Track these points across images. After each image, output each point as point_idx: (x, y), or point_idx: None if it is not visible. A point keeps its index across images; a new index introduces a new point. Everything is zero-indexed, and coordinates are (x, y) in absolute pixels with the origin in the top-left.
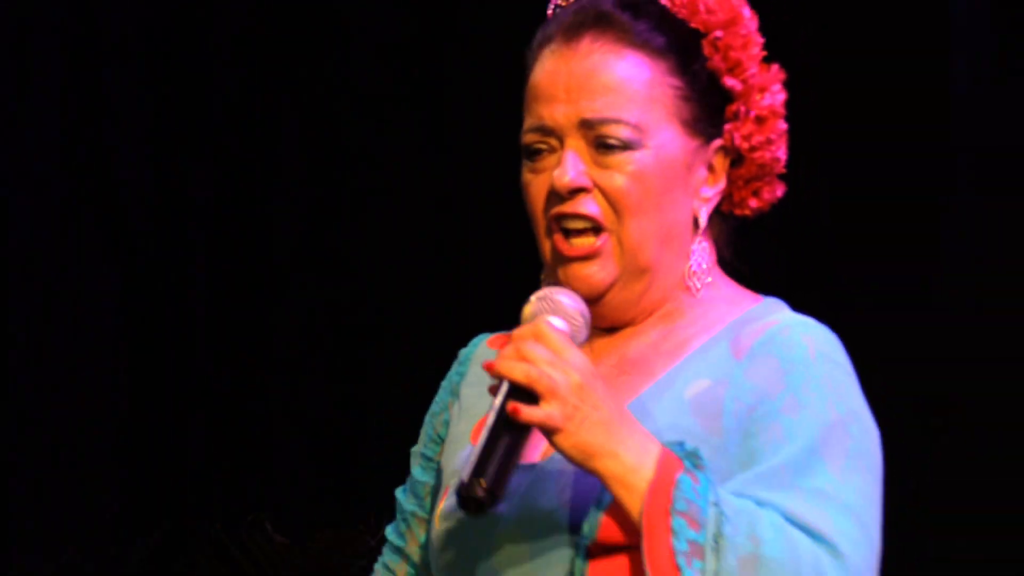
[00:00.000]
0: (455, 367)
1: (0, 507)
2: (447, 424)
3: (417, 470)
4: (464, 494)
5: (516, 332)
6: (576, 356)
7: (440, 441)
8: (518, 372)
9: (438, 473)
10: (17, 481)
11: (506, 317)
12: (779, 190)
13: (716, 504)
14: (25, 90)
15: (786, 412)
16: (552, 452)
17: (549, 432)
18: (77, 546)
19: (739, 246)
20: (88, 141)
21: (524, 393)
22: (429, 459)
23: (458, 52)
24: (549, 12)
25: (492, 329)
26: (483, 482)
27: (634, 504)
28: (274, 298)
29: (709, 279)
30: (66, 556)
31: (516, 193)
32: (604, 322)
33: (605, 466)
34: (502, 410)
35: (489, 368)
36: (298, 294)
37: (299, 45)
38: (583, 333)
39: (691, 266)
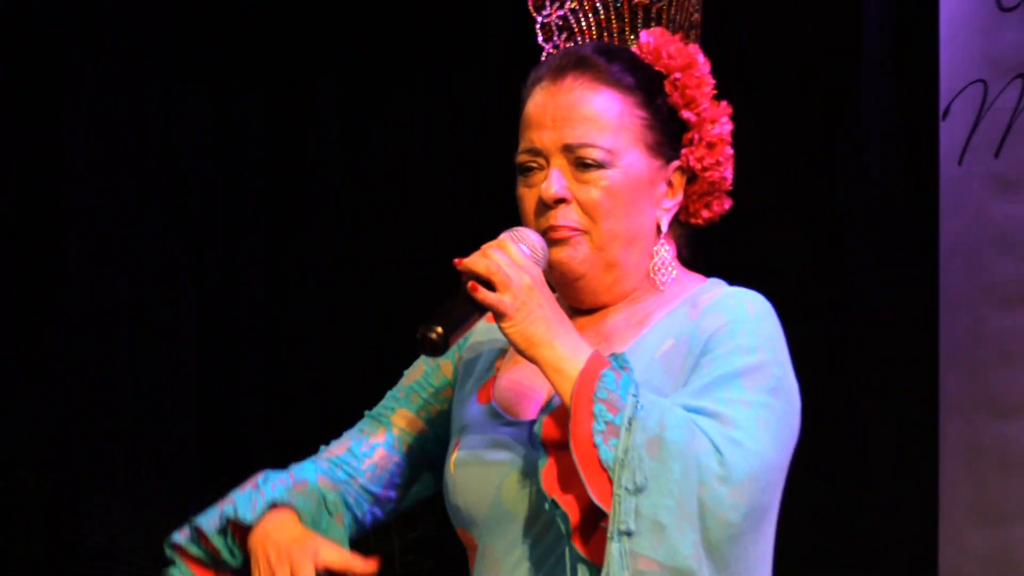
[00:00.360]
0: None
1: (110, 459)
2: (449, 382)
3: (415, 384)
4: (421, 334)
5: (485, 245)
6: (531, 266)
7: (440, 382)
8: (480, 266)
9: (447, 424)
10: (124, 443)
11: None
12: (727, 204)
13: (634, 395)
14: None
15: (720, 349)
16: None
17: (499, 316)
18: (165, 489)
19: (696, 247)
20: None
21: (485, 286)
22: (431, 383)
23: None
24: (542, 58)
25: None
26: (439, 329)
27: (565, 389)
28: (315, 298)
29: (674, 273)
30: (158, 494)
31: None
32: (583, 304)
33: (543, 354)
34: (464, 286)
35: (458, 263)
36: (335, 295)
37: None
38: (542, 263)
39: (656, 263)
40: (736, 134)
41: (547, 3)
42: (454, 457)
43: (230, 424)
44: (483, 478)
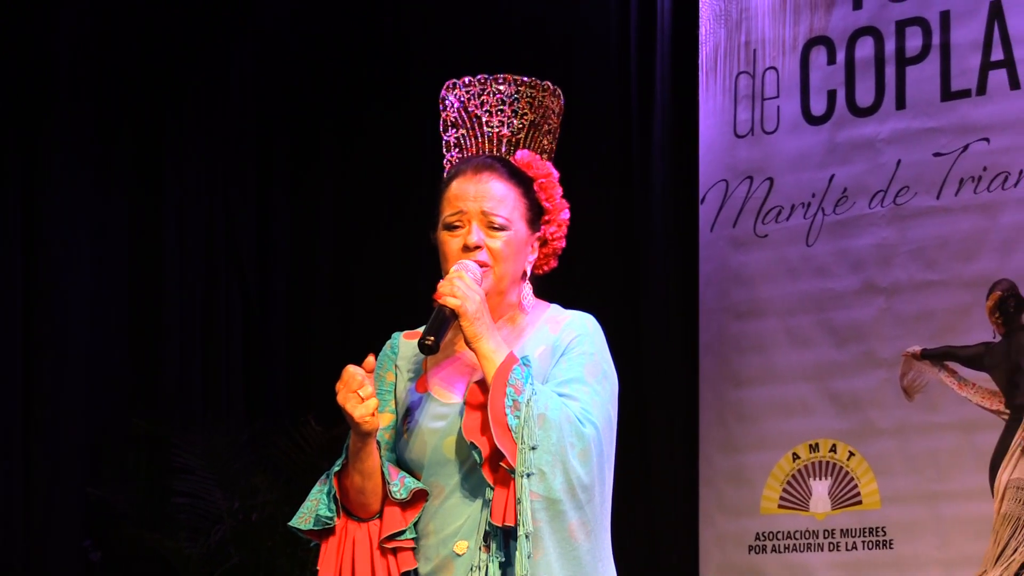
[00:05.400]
0: (389, 348)
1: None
2: (392, 384)
3: (378, 395)
4: (421, 341)
5: (450, 273)
6: (478, 288)
7: (389, 384)
8: (446, 289)
9: (396, 410)
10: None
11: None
12: (555, 263)
13: (531, 384)
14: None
15: (573, 352)
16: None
17: (461, 316)
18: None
19: (543, 285)
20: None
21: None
22: (385, 388)
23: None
24: (446, 164)
25: (401, 329)
26: (431, 337)
27: (489, 371)
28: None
29: (532, 301)
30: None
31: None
32: None
33: (480, 346)
34: (438, 305)
35: (436, 296)
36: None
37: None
38: (481, 284)
39: (523, 294)
40: (574, 214)
41: (450, 127)
42: (405, 427)
43: (258, 388)
44: (426, 439)
